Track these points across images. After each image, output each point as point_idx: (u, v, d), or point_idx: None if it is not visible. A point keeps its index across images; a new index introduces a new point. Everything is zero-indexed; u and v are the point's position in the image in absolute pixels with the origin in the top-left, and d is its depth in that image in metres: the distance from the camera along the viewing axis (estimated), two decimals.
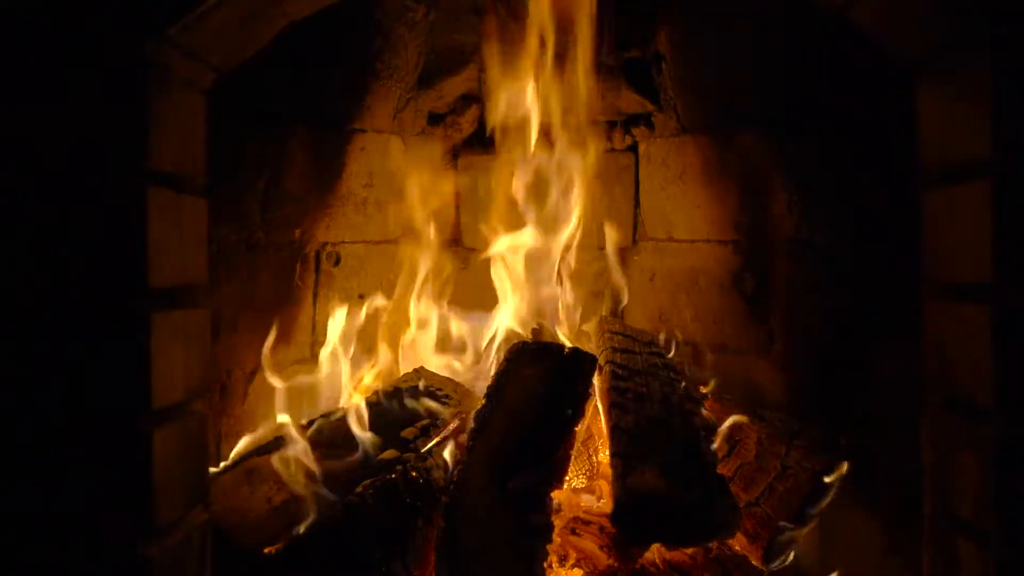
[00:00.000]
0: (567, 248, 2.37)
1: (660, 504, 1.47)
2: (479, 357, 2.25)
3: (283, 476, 1.64)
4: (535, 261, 2.35)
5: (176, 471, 1.24)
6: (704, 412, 1.83)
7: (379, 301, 2.35)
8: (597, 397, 1.93)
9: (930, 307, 1.34)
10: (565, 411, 1.67)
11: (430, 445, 1.82)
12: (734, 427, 1.91)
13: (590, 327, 2.31)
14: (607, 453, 1.85)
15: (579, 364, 1.80)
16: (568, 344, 1.98)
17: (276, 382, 1.94)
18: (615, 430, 1.69)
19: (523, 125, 2.31)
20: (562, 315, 2.35)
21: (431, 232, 2.45)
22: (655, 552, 1.66)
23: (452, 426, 1.90)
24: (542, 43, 2.24)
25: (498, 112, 2.32)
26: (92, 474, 1.14)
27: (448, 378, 2.10)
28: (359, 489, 1.62)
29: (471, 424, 1.73)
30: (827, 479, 1.73)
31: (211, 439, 1.84)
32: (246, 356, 2.04)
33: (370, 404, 1.91)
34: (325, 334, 2.22)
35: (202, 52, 1.30)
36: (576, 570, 1.65)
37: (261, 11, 1.35)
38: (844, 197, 1.88)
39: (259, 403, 2.08)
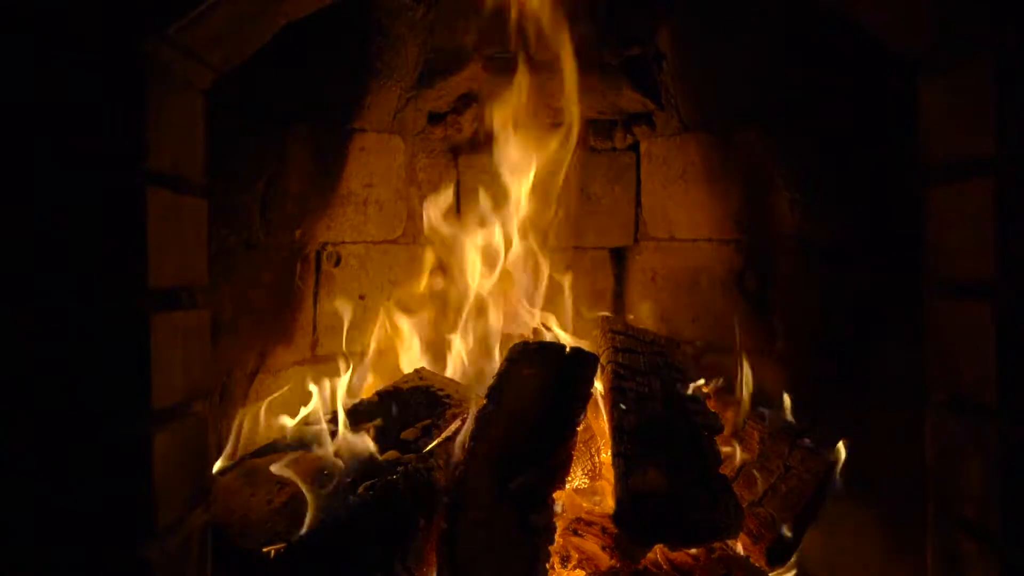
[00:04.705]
0: (565, 248, 2.37)
1: (662, 504, 1.47)
2: (479, 357, 2.25)
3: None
4: (533, 263, 2.36)
5: (176, 472, 1.24)
6: (707, 412, 1.82)
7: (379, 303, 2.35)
8: (599, 397, 1.92)
9: (933, 305, 1.33)
10: (567, 411, 1.66)
11: (431, 446, 1.82)
12: (736, 427, 1.91)
13: (592, 327, 2.31)
14: (609, 453, 1.84)
15: (581, 364, 1.79)
16: (569, 344, 1.98)
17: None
18: (617, 430, 1.69)
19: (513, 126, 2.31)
20: (563, 315, 2.35)
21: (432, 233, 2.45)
22: (658, 553, 1.65)
23: (453, 426, 1.89)
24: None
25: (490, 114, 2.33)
26: (91, 475, 1.14)
27: (449, 378, 2.10)
28: (360, 490, 1.62)
29: (472, 425, 1.72)
30: (829, 479, 1.73)
31: (212, 440, 1.83)
32: (247, 357, 2.04)
33: (371, 404, 1.90)
34: (326, 334, 2.22)
35: (201, 51, 1.30)
36: (578, 571, 1.64)
37: (260, 10, 1.35)
38: (846, 195, 1.88)
39: (260, 404, 2.08)
